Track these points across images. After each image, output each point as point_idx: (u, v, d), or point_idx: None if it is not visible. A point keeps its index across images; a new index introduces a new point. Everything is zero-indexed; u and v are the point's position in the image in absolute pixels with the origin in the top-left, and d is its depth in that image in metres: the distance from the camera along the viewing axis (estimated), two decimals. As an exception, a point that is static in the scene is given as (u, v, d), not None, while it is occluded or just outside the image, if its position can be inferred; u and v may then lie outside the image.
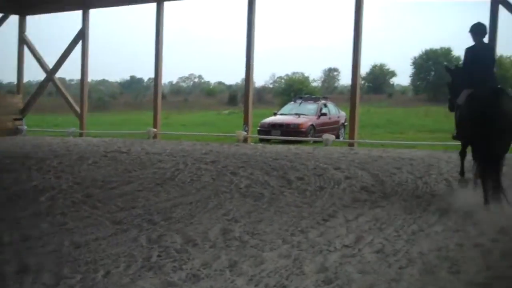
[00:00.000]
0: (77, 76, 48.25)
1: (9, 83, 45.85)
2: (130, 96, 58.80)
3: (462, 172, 7.80)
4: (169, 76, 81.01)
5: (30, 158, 12.33)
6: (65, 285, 4.24)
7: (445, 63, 11.01)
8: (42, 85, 22.08)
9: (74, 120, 21.94)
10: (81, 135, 19.62)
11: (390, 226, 5.96)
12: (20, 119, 20.94)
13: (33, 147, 15.05)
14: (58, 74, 21.37)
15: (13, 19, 21.08)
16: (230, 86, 66.50)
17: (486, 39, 7.92)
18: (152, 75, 19.43)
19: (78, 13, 19.84)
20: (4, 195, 8.02)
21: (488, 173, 6.82)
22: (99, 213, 6.69)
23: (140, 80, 75.56)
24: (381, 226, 5.99)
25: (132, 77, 75.65)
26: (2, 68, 57.26)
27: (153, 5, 18.23)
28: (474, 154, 7.33)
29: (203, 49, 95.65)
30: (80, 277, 4.40)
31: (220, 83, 74.09)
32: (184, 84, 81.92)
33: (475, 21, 7.67)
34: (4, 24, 20.94)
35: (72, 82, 57.63)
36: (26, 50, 21.27)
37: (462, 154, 7.83)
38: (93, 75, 69.76)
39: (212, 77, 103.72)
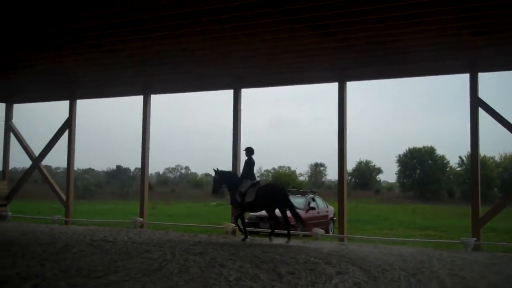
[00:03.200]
0: (63, 164, 48.28)
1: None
2: (116, 185, 58.60)
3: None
4: (156, 167, 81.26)
5: (15, 245, 12.03)
6: None
7: (215, 168, 13.86)
8: (28, 172, 21.97)
9: (58, 207, 21.68)
10: (66, 223, 19.30)
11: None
12: (5, 205, 20.65)
13: (17, 234, 14.74)
14: (44, 162, 21.32)
15: (0, 106, 21.35)
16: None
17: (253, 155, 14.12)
18: (139, 165, 19.47)
19: (65, 103, 20.10)
20: (-14, 281, 7.74)
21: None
22: (85, 303, 6.45)
23: (126, 170, 75.62)
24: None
25: (119, 167, 75.77)
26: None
27: (140, 97, 18.56)
28: (272, 216, 13.76)
29: (190, 141, 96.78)
30: None
31: (207, 174, 74.32)
32: (171, 175, 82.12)
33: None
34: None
35: (58, 170, 57.57)
36: (12, 137, 21.35)
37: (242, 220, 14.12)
38: (79, 164, 69.75)
39: (198, 169, 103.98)
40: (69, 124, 19.93)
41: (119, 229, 17.16)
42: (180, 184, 67.20)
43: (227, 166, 15.74)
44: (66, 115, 19.94)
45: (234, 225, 16.24)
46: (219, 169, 14.40)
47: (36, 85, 19.25)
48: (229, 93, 17.00)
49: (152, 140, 18.57)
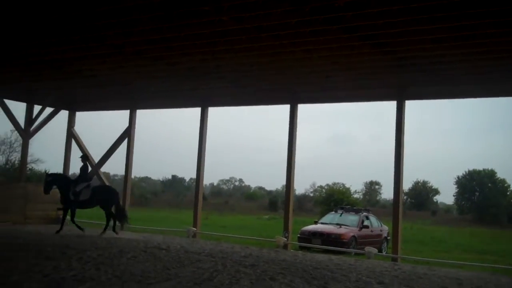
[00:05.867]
0: (121, 171, 49.40)
1: (56, 173, 47.06)
2: (171, 194, 59.45)
3: None
4: (210, 178, 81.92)
5: (71, 248, 12.39)
6: None
7: (47, 170, 16.98)
8: (87, 178, 22.63)
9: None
10: (122, 228, 19.72)
11: None
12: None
13: (74, 237, 15.17)
14: (103, 169, 21.90)
15: (63, 113, 22.11)
16: (270, 192, 66.72)
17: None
18: (194, 176, 19.74)
19: (126, 112, 20.67)
20: (45, 281, 8.00)
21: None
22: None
23: (181, 180, 76.59)
24: None
25: (174, 177, 76.80)
26: (49, 159, 59.09)
27: (198, 110, 18.85)
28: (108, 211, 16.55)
29: (244, 154, 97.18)
30: None
31: (260, 188, 74.49)
32: (224, 187, 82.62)
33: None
34: (54, 118, 21.86)
35: (116, 177, 58.84)
36: (73, 143, 22.06)
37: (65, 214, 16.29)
38: (136, 172, 71.19)
39: (252, 182, 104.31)
40: (128, 133, 20.44)
41: (172, 237, 17.42)
42: (233, 196, 67.52)
43: (281, 181, 15.85)
44: (126, 124, 20.48)
45: (285, 239, 16.24)
46: (51, 172, 16.88)
47: (98, 94, 19.85)
48: (286, 108, 17.08)
49: (207, 152, 18.82)
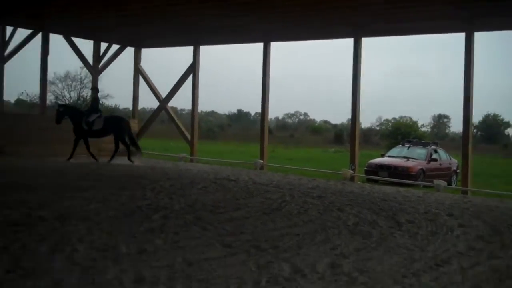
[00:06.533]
0: (187, 106, 50.18)
1: (125, 108, 48.42)
2: (238, 128, 60.11)
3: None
4: (275, 112, 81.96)
5: (145, 179, 12.89)
6: (178, 300, 4.34)
7: (59, 101, 17.54)
8: (155, 112, 23.22)
9: (184, 146, 22.77)
10: (191, 160, 20.29)
11: (510, 279, 5.61)
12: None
13: (147, 169, 15.72)
14: (170, 103, 22.35)
15: (130, 50, 22.50)
16: (335, 125, 66.31)
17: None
18: (259, 110, 19.85)
19: (190, 48, 20.81)
20: (121, 210, 8.40)
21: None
22: (210, 235, 6.83)
23: (247, 114, 77.12)
24: (500, 277, 5.65)
25: (240, 111, 77.37)
26: (118, 94, 60.63)
27: (261, 45, 18.72)
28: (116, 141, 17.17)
29: (309, 88, 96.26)
30: (192, 293, 4.50)
31: (325, 121, 74.06)
32: (289, 121, 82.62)
33: None
34: (121, 55, 22.30)
35: (183, 112, 59.84)
36: (141, 79, 22.52)
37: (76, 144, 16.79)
38: (202, 107, 72.09)
39: (317, 116, 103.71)
40: (193, 69, 20.64)
41: (240, 169, 17.76)
42: (298, 130, 67.57)
43: (346, 115, 15.79)
44: (191, 61, 20.65)
45: (352, 171, 16.26)
46: (61, 103, 18.29)
47: (163, 31, 19.97)
48: (350, 41, 16.73)
49: (271, 86, 18.82)
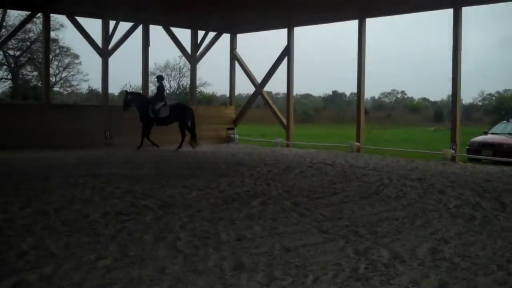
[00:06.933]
0: (282, 90, 50.32)
1: (222, 95, 49.33)
2: (333, 110, 59.60)
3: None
4: (371, 92, 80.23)
5: (243, 165, 13.16)
6: (277, 286, 4.43)
7: (126, 89, 20.37)
8: (251, 98, 23.49)
9: (280, 131, 22.95)
10: (287, 145, 20.42)
11: None
12: (233, 129, 22.48)
13: (244, 155, 16.03)
14: (266, 88, 22.52)
15: (225, 36, 22.85)
16: (434, 103, 64.11)
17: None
18: (354, 90, 19.61)
19: (284, 31, 20.78)
20: (221, 197, 8.64)
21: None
22: (307, 221, 6.89)
23: (342, 95, 76.18)
24: None
25: (335, 92, 76.56)
26: (215, 81, 61.82)
27: (355, 22, 18.37)
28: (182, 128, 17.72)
29: (406, 64, 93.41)
30: (291, 279, 4.57)
31: (424, 99, 71.71)
32: (386, 100, 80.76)
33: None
34: (217, 42, 22.70)
35: (278, 96, 60.09)
36: (236, 65, 22.85)
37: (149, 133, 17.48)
38: (297, 90, 72.10)
39: (415, 93, 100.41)
40: (287, 52, 20.69)
41: (337, 152, 17.69)
42: (396, 109, 65.92)
43: (446, 91, 15.24)
44: (285, 43, 20.70)
45: (453, 151, 15.73)
46: (129, 91, 19.02)
47: (257, 15, 20.14)
48: (449, 13, 16.07)
49: (367, 65, 18.49)
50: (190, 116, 17.92)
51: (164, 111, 17.48)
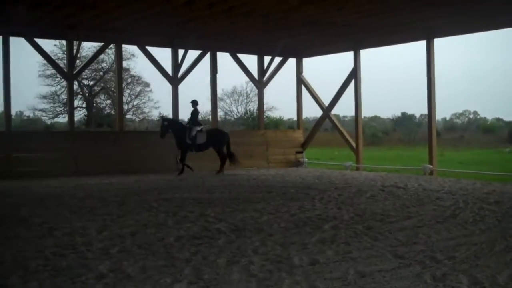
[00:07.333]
0: (350, 112, 49.92)
1: (289, 119, 49.43)
2: (402, 132, 58.52)
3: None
4: (442, 113, 78.37)
5: (313, 189, 13.10)
6: (354, 312, 4.36)
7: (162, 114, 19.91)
8: (319, 121, 23.43)
9: (349, 154, 22.73)
10: (357, 169, 20.17)
11: None
12: (301, 152, 22.44)
13: (314, 179, 15.95)
14: (333, 111, 22.41)
15: (291, 61, 23.01)
16: (509, 123, 61.84)
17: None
18: (424, 111, 19.22)
19: (350, 54, 20.71)
20: (292, 221, 8.62)
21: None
22: (381, 246, 6.75)
23: (411, 117, 74.73)
24: None
25: (404, 114, 75.23)
26: (282, 106, 62.13)
27: (423, 43, 18.07)
28: (220, 153, 18.01)
29: (477, 84, 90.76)
30: (367, 306, 4.49)
31: (498, 119, 69.38)
32: (458, 121, 78.67)
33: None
34: (283, 66, 22.86)
35: (346, 119, 59.70)
36: (303, 89, 22.91)
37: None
38: (365, 112, 71.22)
39: (488, 113, 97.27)
40: (354, 74, 20.57)
41: (408, 175, 17.30)
42: (468, 130, 64.01)
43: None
44: (351, 66, 20.60)
45: None
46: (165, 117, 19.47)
47: (322, 39, 20.18)
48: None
49: (436, 85, 18.08)
50: (226, 141, 17.99)
51: (201, 137, 17.60)
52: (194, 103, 18.01)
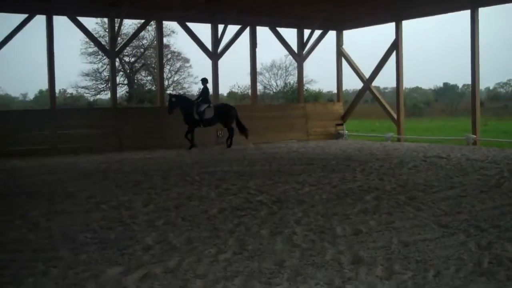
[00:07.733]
0: (390, 84, 49.19)
1: (328, 92, 48.99)
2: (444, 102, 57.42)
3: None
4: (485, 82, 76.34)
5: (353, 161, 13.06)
6: (397, 280, 4.38)
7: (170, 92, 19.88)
8: (359, 93, 23.19)
9: (389, 125, 22.50)
10: (398, 140, 19.97)
11: None
12: (341, 125, 22.31)
13: (354, 150, 15.87)
14: (374, 83, 22.13)
15: (331, 34, 22.75)
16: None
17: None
18: (467, 81, 18.91)
19: (390, 26, 20.36)
20: (333, 192, 8.63)
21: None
22: (424, 215, 6.72)
23: (454, 87, 73.13)
24: None
25: (446, 84, 73.66)
26: (322, 79, 61.47)
27: (467, 12, 17.59)
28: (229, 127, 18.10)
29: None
30: (411, 274, 4.50)
31: (547, 87, 67.33)
32: (502, 90, 76.62)
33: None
34: (324, 39, 22.63)
35: (386, 90, 58.79)
36: (343, 61, 22.66)
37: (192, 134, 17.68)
38: (406, 83, 69.98)
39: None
40: (396, 46, 20.23)
41: (451, 146, 17.06)
42: (513, 99, 62.34)
43: None
44: (391, 38, 20.27)
45: None
46: (173, 94, 19.76)
47: (364, 11, 19.86)
48: None
49: (481, 55, 17.65)
50: (234, 115, 18.06)
51: (208, 112, 17.68)
52: (204, 81, 18.11)
